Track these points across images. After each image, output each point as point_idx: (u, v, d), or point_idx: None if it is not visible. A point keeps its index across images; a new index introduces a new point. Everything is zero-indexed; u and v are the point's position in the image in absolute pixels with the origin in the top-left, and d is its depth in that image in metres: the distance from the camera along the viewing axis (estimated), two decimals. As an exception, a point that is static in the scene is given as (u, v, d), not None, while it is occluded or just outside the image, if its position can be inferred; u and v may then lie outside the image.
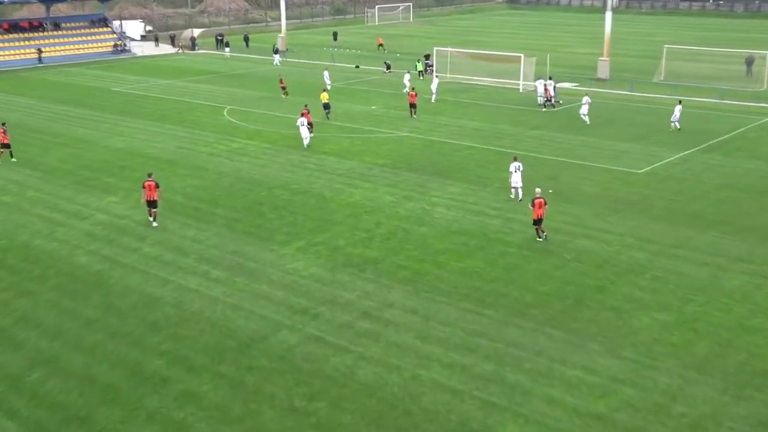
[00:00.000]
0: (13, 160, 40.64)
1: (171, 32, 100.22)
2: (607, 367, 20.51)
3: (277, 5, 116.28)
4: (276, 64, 79.06)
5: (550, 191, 34.33)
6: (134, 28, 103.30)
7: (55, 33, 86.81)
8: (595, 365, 20.58)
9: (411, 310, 23.63)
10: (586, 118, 47.57)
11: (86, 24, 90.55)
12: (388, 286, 25.24)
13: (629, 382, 19.86)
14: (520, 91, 57.73)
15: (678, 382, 19.88)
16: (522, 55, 61.06)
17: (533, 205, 28.48)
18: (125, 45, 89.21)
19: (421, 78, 67.24)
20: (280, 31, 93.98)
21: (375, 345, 21.64)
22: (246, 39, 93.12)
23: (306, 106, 47.26)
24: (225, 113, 52.91)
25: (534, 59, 62.33)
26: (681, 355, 21.05)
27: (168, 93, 61.79)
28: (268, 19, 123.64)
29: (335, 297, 24.50)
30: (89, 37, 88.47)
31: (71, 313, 23.77)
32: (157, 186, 30.51)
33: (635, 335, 22.08)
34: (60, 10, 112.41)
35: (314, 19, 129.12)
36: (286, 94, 57.43)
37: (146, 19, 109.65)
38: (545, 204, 28.56)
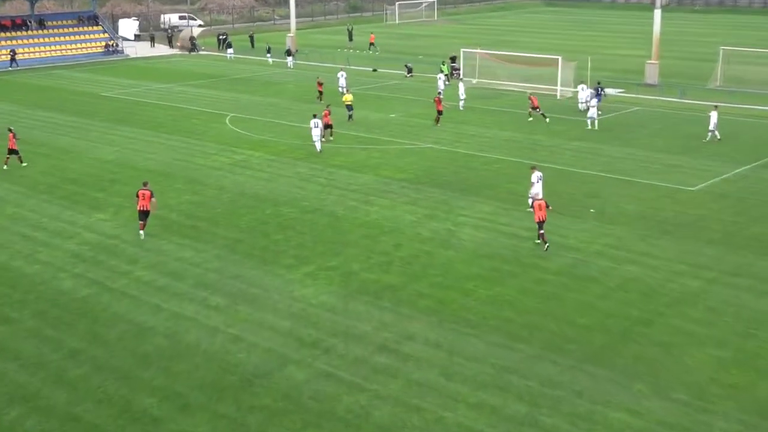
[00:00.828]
0: (24, 164, 42.53)
1: (168, 31, 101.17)
2: (655, 410, 20.30)
3: (286, 2, 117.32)
4: (289, 66, 79.62)
5: (591, 211, 34.21)
6: (128, 26, 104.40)
7: (39, 32, 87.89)
8: (641, 408, 20.38)
9: (434, 343, 23.53)
10: (593, 123, 49.37)
11: (74, 22, 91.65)
12: (408, 316, 25.17)
13: (680, 427, 19.65)
14: (558, 97, 57.70)
15: (737, 428, 19.64)
16: (560, 57, 61.14)
17: (533, 207, 30.23)
18: (117, 45, 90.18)
19: (447, 83, 67.36)
20: (289, 30, 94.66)
21: (393, 382, 21.55)
22: (251, 39, 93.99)
23: (328, 106, 48.53)
24: (227, 121, 53.25)
25: (573, 63, 62.35)
26: (740, 398, 20.80)
27: (164, 98, 62.33)
28: (276, 17, 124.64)
29: (349, 328, 24.46)
30: (78, 37, 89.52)
31: (53, 343, 23.85)
32: (151, 195, 31.50)
33: (687, 374, 21.86)
34: (45, 6, 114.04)
35: (327, 18, 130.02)
36: (320, 98, 57.94)
37: (141, 17, 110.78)
38: (547, 206, 29.89)
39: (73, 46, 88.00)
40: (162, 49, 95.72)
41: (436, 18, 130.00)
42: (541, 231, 29.96)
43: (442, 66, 68.05)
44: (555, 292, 26.57)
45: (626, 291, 26.68)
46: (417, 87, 63.97)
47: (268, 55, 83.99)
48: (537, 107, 51.76)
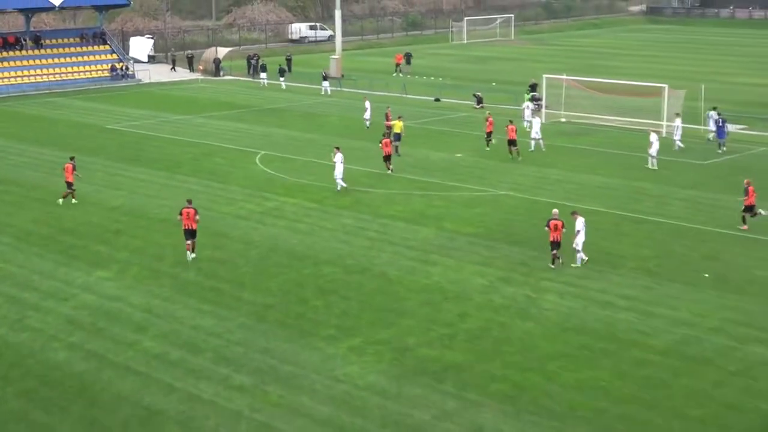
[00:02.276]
0: (61, 201, 44.66)
1: (188, 52, 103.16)
2: None
3: (331, 16, 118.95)
4: (325, 92, 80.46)
5: (706, 276, 33.70)
6: (140, 46, 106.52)
7: (35, 52, 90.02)
8: None
9: (509, 438, 23.21)
10: (653, 162, 50.65)
11: (77, 40, 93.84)
12: (476, 403, 24.86)
13: None
14: (663, 134, 57.33)
15: None
16: (665, 85, 60.91)
17: (549, 227, 34.27)
18: (128, 68, 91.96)
19: (529, 113, 67.36)
20: (333, 51, 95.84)
21: (457, 487, 21.22)
22: (288, 61, 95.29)
23: (385, 135, 50.59)
24: (257, 161, 53.80)
25: (682, 92, 62.06)
26: None
27: (182, 133, 63.26)
28: (319, 36, 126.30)
29: (402, 417, 24.22)
30: (81, 58, 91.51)
31: (43, 429, 23.96)
32: (195, 213, 35.79)
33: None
34: (44, 21, 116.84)
35: (380, 36, 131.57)
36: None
37: (157, 35, 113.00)
38: (563, 226, 34.10)
39: (75, 68, 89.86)
40: (180, 73, 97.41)
41: (512, 37, 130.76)
42: (554, 252, 34.33)
43: (526, 95, 68.25)
44: (661, 378, 26.08)
45: (752, 378, 26.09)
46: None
47: (263, 75, 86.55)
48: (491, 132, 55.12)
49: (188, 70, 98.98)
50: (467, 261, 35.61)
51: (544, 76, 68.95)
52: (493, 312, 30.69)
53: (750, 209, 39.30)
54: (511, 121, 55.62)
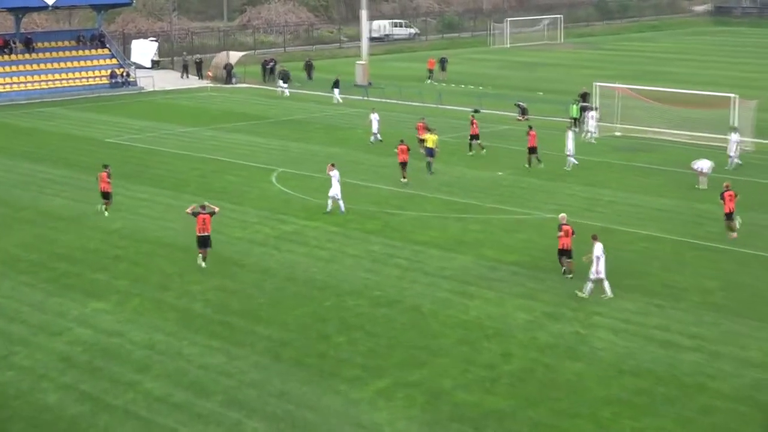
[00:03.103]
0: (106, 214, 46.20)
1: (197, 56, 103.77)
2: None
3: (356, 17, 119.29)
4: (337, 101, 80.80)
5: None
6: (143, 49, 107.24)
7: (26, 57, 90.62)
8: None
9: (556, 495, 23.06)
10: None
11: (73, 43, 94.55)
12: (519, 455, 24.73)
13: None
14: (731, 154, 56.76)
15: None
16: (735, 95, 60.60)
17: (561, 232, 36.74)
18: (129, 74, 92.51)
19: (576, 129, 67.25)
20: (359, 56, 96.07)
21: None
22: (308, 67, 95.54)
23: (403, 141, 51.46)
24: (273, 179, 53.94)
25: (753, 102, 61.74)
26: None
27: (189, 147, 63.52)
28: (343, 39, 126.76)
29: (436, 470, 24.10)
30: (76, 63, 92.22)
31: (31, 479, 23.99)
32: (212, 215, 38.58)
33: None
34: (35, 22, 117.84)
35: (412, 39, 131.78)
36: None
37: (162, 37, 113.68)
38: (573, 232, 36.71)
39: (70, 75, 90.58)
40: (188, 81, 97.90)
41: (560, 40, 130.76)
42: (567, 259, 36.75)
43: (573, 106, 68.07)
44: (729, 426, 25.86)
45: (835, 429, 25.81)
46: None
47: (284, 84, 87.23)
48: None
49: (197, 77, 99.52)
50: (509, 293, 35.49)
51: (596, 84, 68.89)
52: (538, 351, 30.54)
53: (729, 216, 41.53)
54: (530, 127, 56.39)
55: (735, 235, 41.62)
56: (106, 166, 47.44)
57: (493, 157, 58.52)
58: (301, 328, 32.48)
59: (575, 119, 67.51)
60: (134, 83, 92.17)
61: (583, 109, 68.43)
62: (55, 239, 43.15)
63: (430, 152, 53.71)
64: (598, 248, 34.82)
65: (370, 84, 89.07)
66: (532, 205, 47.61)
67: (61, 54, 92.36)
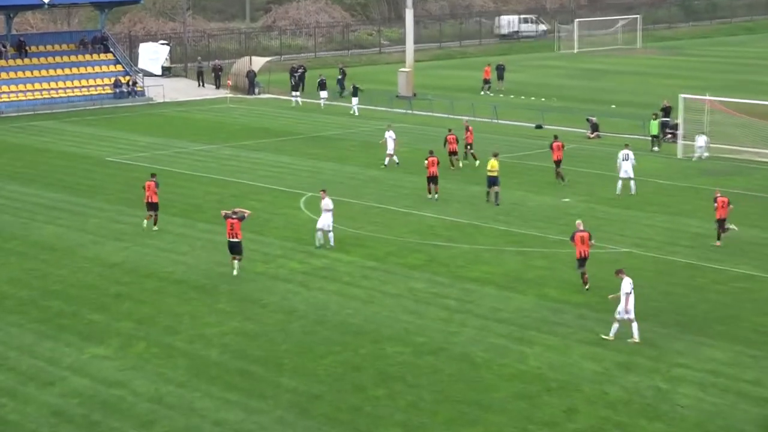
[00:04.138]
0: (155, 228, 48.79)
1: (215, 62, 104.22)
2: None
3: (399, 17, 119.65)
4: (354, 112, 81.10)
5: None
6: (153, 54, 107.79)
7: (18, 63, 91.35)
8: None
9: None
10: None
11: (72, 47, 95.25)
12: None
13: None
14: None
15: None
16: None
17: (573, 240, 39.53)
18: (136, 83, 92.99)
19: (656, 149, 67.07)
20: (403, 62, 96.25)
21: None
22: (341, 75, 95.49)
23: (432, 152, 53.10)
24: (301, 205, 54.04)
25: None
26: None
27: (204, 167, 63.70)
28: (384, 42, 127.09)
29: None
30: (75, 70, 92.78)
31: None
32: (241, 220, 41.65)
33: None
34: (29, 23, 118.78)
35: (464, 43, 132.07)
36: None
37: (174, 40, 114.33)
38: (590, 238, 39.51)
39: (68, 83, 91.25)
40: (202, 90, 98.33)
41: (638, 45, 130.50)
42: (583, 270, 39.48)
43: (653, 121, 67.84)
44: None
45: None
46: (607, 154, 63.75)
47: (323, 94, 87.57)
48: (470, 144, 58.76)
49: (214, 86, 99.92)
50: (575, 340, 35.30)
51: (681, 96, 68.58)
52: (609, 408, 30.37)
53: (721, 223, 45.83)
54: (556, 137, 57.34)
55: (719, 243, 45.87)
56: (153, 175, 50.04)
57: (556, 181, 58.30)
58: (332, 379, 32.43)
59: (655, 137, 67.28)
60: (142, 93, 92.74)
61: (663, 126, 68.24)
62: (48, 273, 43.32)
63: (493, 181, 53.09)
64: (626, 284, 35.15)
65: (414, 95, 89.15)
66: (605, 237, 47.34)
67: (57, 59, 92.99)
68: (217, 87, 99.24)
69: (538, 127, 75.83)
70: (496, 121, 78.18)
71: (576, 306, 38.50)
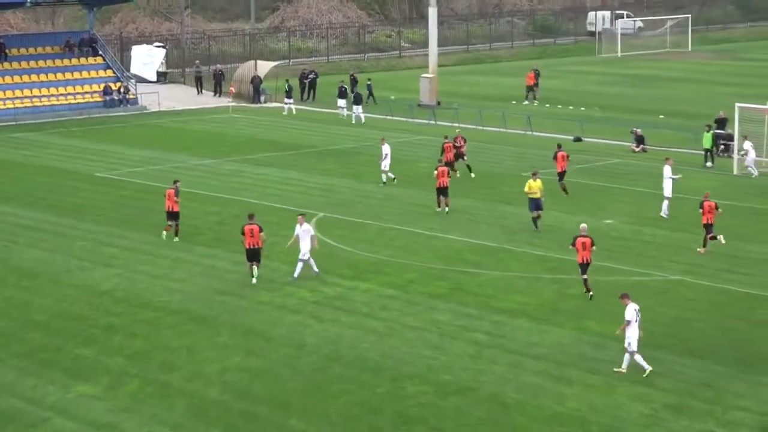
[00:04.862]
0: (176, 239, 50.86)
1: (216, 67, 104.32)
2: None
3: (421, 17, 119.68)
4: (357, 119, 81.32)
5: None
6: (147, 58, 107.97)
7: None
8: None
9: None
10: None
11: (56, 50, 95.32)
12: None
13: None
14: None
15: None
16: None
17: (574, 245, 42.03)
18: (128, 90, 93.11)
19: (709, 164, 66.91)
20: (425, 67, 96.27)
21: None
22: (353, 82, 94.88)
23: (441, 161, 53.67)
24: (312, 226, 53.95)
25: None
26: None
27: (204, 184, 63.73)
28: (405, 45, 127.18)
29: None
30: (60, 76, 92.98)
31: None
32: (260, 230, 44.03)
33: None
34: (10, 23, 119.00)
35: (494, 46, 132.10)
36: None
37: (171, 43, 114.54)
38: (593, 244, 41.70)
39: (53, 90, 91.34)
40: (201, 98, 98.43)
41: (689, 48, 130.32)
42: (585, 276, 41.88)
43: (707, 134, 67.76)
44: None
45: None
46: (653, 169, 63.61)
47: (341, 102, 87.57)
48: (463, 155, 61.04)
49: (214, 93, 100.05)
50: (620, 379, 35.19)
51: (738, 105, 68.49)
52: (659, 457, 30.28)
53: (708, 228, 48.16)
54: (559, 146, 58.09)
55: (703, 251, 48.53)
56: (176, 181, 51.85)
57: (599, 199, 58.28)
58: (346, 422, 32.41)
59: (708, 150, 67.16)
60: (134, 101, 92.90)
61: (717, 138, 68.14)
62: (30, 303, 43.31)
63: (537, 204, 52.26)
64: (630, 311, 35.43)
65: (438, 104, 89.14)
66: (653, 263, 47.26)
67: (41, 64, 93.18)
68: (217, 94, 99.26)
69: (577, 140, 75.70)
70: (530, 133, 78.13)
71: (620, 340, 38.19)
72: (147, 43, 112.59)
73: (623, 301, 35.75)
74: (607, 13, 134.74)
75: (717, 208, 48.08)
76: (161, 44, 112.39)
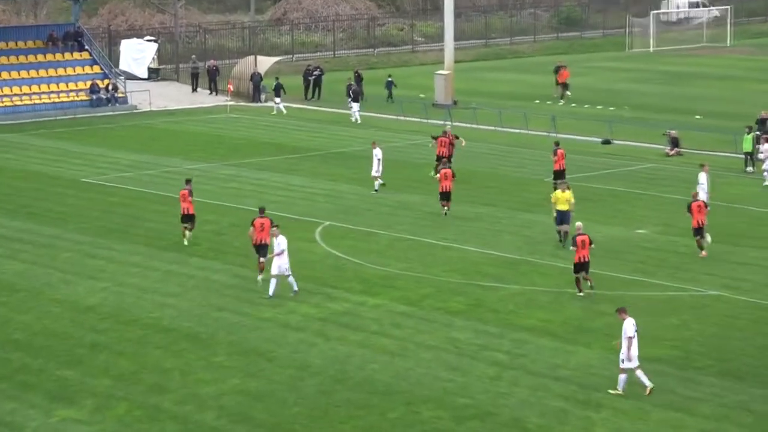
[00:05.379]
0: (185, 242, 52.40)
1: (211, 62, 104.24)
2: None
3: (436, 8, 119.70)
4: (355, 119, 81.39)
5: None
6: (137, 52, 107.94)
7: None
8: None
9: None
10: None
11: (40, 44, 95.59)
12: None
13: None
14: None
15: None
16: None
17: (575, 245, 44.02)
18: (117, 88, 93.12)
19: (750, 168, 66.77)
20: (441, 63, 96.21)
21: None
22: (357, 80, 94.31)
23: (448, 163, 54.48)
24: (317, 236, 54.05)
25: None
26: None
27: (199, 191, 63.44)
28: (418, 39, 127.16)
29: None
30: (43, 72, 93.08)
31: None
32: (272, 224, 45.62)
33: None
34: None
35: (515, 40, 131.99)
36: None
37: (164, 36, 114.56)
38: (591, 242, 43.84)
39: (35, 88, 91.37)
40: (197, 96, 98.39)
41: (728, 42, 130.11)
42: (580, 274, 44.38)
43: (747, 136, 67.65)
44: None
45: None
46: (689, 175, 63.52)
47: (355, 106, 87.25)
48: (448, 156, 61.71)
49: (210, 92, 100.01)
50: (653, 403, 35.11)
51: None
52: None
53: (699, 231, 49.56)
54: (557, 144, 59.13)
55: (705, 253, 49.37)
56: (188, 181, 53.75)
57: (630, 207, 58.21)
58: (354, 450, 32.37)
59: (749, 154, 67.02)
60: (124, 100, 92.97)
61: (759, 141, 68.01)
62: (8, 320, 43.27)
63: (564, 217, 51.06)
64: (629, 326, 35.31)
65: (455, 103, 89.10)
66: (689, 276, 47.19)
67: (22, 59, 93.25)
68: (213, 92, 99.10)
69: (606, 142, 75.65)
70: (554, 134, 78.01)
71: (653, 361, 38.20)
72: (137, 37, 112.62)
73: (621, 315, 35.69)
74: (684, 0, 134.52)
75: (706, 206, 50.24)
76: (153, 38, 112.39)
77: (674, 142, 72.07)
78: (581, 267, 44.21)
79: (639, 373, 35.07)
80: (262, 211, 46.96)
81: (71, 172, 69.15)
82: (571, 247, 44.66)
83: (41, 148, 77.11)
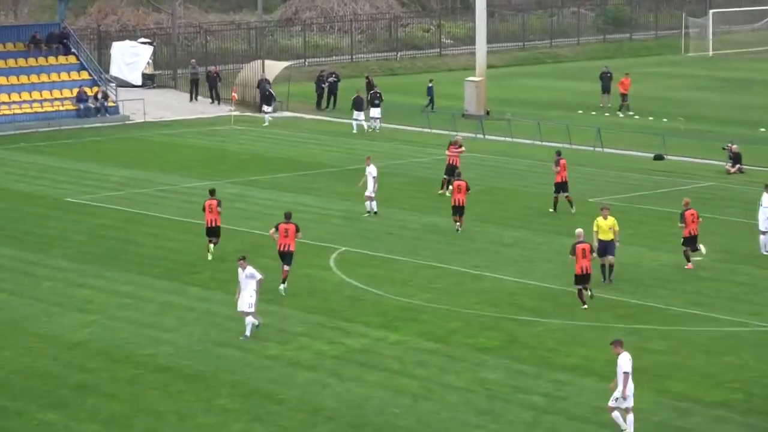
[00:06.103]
0: (209, 257, 54.75)
1: (211, 68, 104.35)
2: None
3: (467, 8, 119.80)
4: (368, 128, 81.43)
5: None
6: (130, 56, 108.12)
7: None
8: None
9: None
10: None
11: (21, 47, 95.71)
12: None
13: None
14: None
15: None
16: None
17: (574, 254, 46.28)
18: (107, 96, 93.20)
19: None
20: (471, 68, 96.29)
21: None
22: (368, 87, 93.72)
23: (458, 174, 54.79)
24: (331, 263, 54.14)
25: None
26: None
27: (198, 212, 63.48)
28: (446, 42, 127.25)
29: None
30: (24, 79, 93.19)
31: None
32: (297, 230, 48.79)
33: None
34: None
35: (555, 43, 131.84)
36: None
37: (160, 39, 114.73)
38: (591, 251, 46.41)
39: (15, 96, 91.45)
40: (197, 106, 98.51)
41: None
42: (581, 287, 46.47)
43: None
44: None
45: None
46: (752, 194, 63.47)
47: (364, 115, 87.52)
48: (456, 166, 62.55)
49: (212, 100, 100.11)
50: (710, 453, 35.15)
51: None
52: None
53: (691, 242, 52.03)
54: (559, 153, 59.78)
55: (691, 266, 52.03)
56: (213, 192, 56.20)
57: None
58: (373, 504, 32.44)
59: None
60: (115, 110, 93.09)
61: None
62: (-14, 356, 43.54)
63: (608, 247, 50.24)
64: (625, 361, 35.19)
65: (487, 114, 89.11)
66: (750, 309, 47.13)
67: (1, 64, 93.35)
68: (214, 101, 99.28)
69: (658, 158, 75.60)
70: (599, 149, 78.00)
71: (711, 406, 38.19)
72: (130, 39, 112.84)
73: (616, 349, 35.44)
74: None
75: (698, 217, 52.40)
76: (148, 40, 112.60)
77: (735, 158, 71.96)
78: (583, 278, 46.65)
79: (630, 418, 34.92)
80: (288, 216, 49.46)
81: (55, 191, 69.29)
82: (570, 256, 47.27)
83: (21, 164, 77.28)
